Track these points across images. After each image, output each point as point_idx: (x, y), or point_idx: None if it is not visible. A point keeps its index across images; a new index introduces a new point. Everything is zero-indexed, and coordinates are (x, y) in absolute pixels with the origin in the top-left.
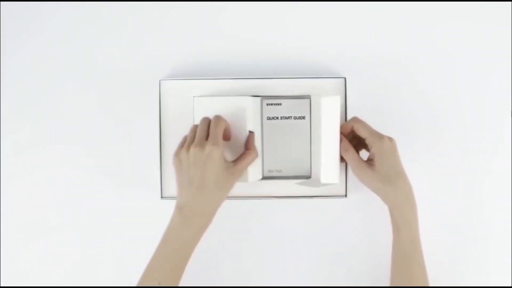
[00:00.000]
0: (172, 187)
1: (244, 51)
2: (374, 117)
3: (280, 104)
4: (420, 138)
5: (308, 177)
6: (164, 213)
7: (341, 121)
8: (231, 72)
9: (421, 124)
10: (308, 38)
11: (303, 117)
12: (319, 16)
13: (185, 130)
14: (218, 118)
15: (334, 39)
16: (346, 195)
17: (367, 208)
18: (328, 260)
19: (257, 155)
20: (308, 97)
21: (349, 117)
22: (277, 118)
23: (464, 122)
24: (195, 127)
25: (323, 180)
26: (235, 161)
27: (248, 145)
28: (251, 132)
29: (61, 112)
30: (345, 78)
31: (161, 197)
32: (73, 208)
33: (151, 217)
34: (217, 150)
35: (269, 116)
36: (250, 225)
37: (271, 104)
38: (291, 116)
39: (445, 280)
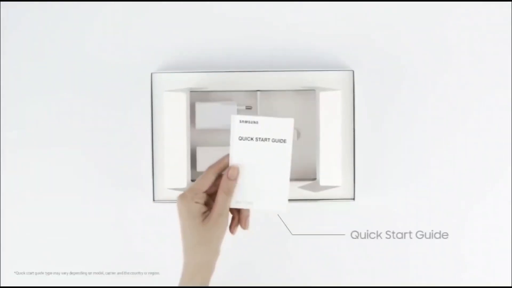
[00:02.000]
0: (165, 190)
1: (243, 42)
2: (383, 113)
3: (257, 122)
4: (430, 135)
5: (314, 179)
6: (156, 217)
7: (342, 118)
8: (228, 65)
9: (431, 121)
10: (312, 27)
11: (284, 140)
12: (325, 3)
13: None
14: (208, 169)
15: (341, 28)
16: (354, 198)
17: (376, 212)
18: (333, 263)
19: (229, 191)
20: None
21: (357, 114)
22: (251, 139)
23: (471, 121)
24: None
25: (322, 183)
26: (211, 209)
27: (220, 184)
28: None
29: (45, 110)
30: (353, 71)
31: (153, 200)
32: (61, 212)
33: (143, 221)
34: (181, 203)
35: (242, 136)
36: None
37: (246, 122)
38: (268, 138)
39: (446, 280)
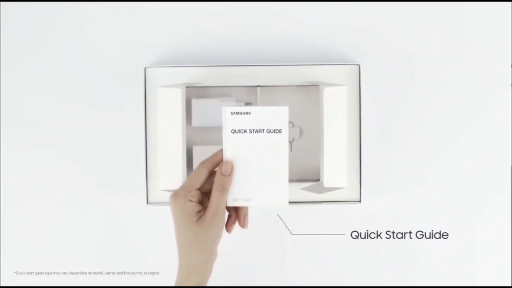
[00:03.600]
0: (159, 192)
1: (242, 34)
2: (390, 110)
3: (249, 113)
4: (438, 133)
5: (317, 180)
6: (150, 220)
7: (348, 115)
8: (226, 58)
9: (439, 118)
10: (315, 18)
11: (279, 131)
12: None
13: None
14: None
15: (346, 19)
16: (360, 200)
17: (377, 212)
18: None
19: (224, 188)
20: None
21: (363, 111)
22: (245, 131)
23: (478, 120)
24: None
25: (326, 184)
26: (207, 208)
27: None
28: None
29: (36, 107)
30: (359, 66)
31: (147, 202)
32: (61, 212)
33: (136, 224)
34: (174, 201)
35: (234, 129)
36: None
37: (238, 113)
38: (263, 129)
39: (446, 280)
